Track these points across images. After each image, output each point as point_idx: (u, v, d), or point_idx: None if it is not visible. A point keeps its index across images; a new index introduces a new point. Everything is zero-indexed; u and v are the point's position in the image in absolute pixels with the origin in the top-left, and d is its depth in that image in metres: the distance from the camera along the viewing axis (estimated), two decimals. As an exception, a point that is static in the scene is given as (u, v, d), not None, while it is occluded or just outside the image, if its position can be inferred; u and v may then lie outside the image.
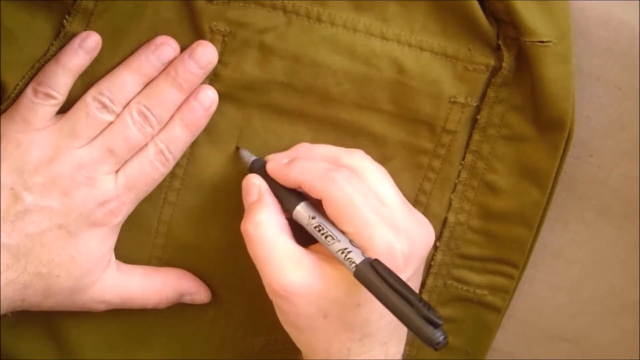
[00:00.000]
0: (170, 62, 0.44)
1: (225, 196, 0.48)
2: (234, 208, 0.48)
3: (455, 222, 0.49)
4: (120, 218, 0.45)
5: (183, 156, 0.46)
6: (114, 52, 0.44)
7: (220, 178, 0.47)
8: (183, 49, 0.44)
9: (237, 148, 0.47)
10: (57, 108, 0.43)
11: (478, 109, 0.47)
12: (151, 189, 0.45)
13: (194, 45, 0.44)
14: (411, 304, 0.38)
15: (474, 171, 0.48)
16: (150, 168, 0.45)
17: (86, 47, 0.43)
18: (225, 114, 0.46)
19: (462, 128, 0.47)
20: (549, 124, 0.46)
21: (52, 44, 0.43)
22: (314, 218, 0.43)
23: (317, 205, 0.43)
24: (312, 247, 0.44)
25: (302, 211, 0.43)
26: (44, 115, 0.43)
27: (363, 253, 0.41)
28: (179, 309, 0.49)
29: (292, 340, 0.50)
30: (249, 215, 0.44)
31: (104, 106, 0.43)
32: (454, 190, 0.48)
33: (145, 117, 0.44)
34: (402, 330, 0.44)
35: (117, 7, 0.43)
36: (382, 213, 0.42)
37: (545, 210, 0.48)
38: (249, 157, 0.46)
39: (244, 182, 0.45)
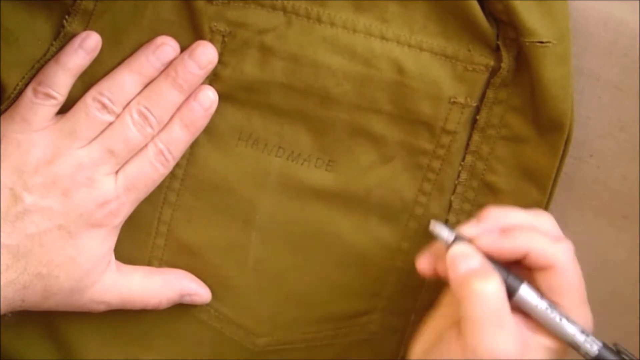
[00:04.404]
0: (170, 63, 0.44)
1: (225, 196, 0.48)
2: (233, 208, 0.48)
3: (456, 223, 0.49)
4: (120, 219, 0.45)
5: (183, 156, 0.46)
6: (114, 53, 0.44)
7: (220, 178, 0.47)
8: (183, 49, 0.44)
9: (430, 221, 0.44)
10: (57, 108, 0.43)
11: (477, 110, 0.47)
12: (151, 189, 0.45)
13: (194, 45, 0.44)
14: None
15: (474, 172, 0.48)
16: (151, 169, 0.45)
17: (86, 47, 0.43)
18: (225, 114, 0.46)
19: (461, 129, 0.47)
20: (548, 124, 0.45)
21: (52, 44, 0.43)
22: (542, 299, 0.42)
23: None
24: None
25: (529, 291, 0.42)
26: (43, 116, 0.43)
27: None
28: (179, 309, 0.49)
29: (292, 340, 0.50)
30: (484, 276, 0.41)
31: (104, 107, 0.44)
32: (454, 191, 0.48)
33: (145, 117, 0.44)
34: None
35: (117, 8, 0.43)
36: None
37: (545, 210, 0.48)
38: (449, 235, 0.43)
39: (458, 249, 0.42)
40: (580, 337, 0.41)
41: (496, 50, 0.45)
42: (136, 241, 0.48)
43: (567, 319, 0.41)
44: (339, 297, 0.50)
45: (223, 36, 0.44)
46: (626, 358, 0.39)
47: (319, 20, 0.44)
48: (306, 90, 0.45)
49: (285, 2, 0.44)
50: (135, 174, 0.44)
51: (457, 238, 0.43)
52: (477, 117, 0.47)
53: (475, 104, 0.46)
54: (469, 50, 0.45)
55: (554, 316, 0.41)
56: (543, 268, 0.42)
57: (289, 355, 0.51)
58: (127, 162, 0.44)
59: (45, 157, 0.43)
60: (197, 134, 0.46)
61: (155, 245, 0.48)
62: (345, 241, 0.49)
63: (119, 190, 0.44)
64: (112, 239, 0.45)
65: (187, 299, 0.48)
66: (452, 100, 0.46)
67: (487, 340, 0.41)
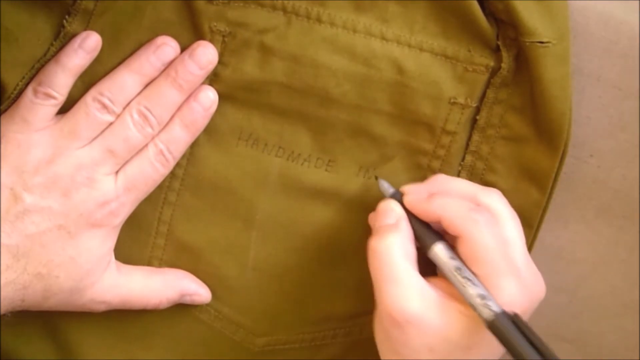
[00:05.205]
0: (171, 63, 0.44)
1: (225, 196, 0.48)
2: (233, 208, 0.48)
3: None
4: (120, 219, 0.45)
5: (183, 156, 0.46)
6: (114, 53, 0.44)
7: (220, 178, 0.47)
8: (183, 49, 0.44)
9: (376, 178, 0.47)
10: (57, 108, 0.43)
11: (477, 110, 0.47)
12: (151, 189, 0.45)
13: (194, 45, 0.44)
14: None
15: (474, 172, 0.48)
16: (151, 169, 0.45)
17: (86, 47, 0.43)
18: (225, 114, 0.46)
19: (461, 129, 0.47)
20: (548, 124, 0.45)
21: (52, 44, 0.43)
22: (454, 259, 0.42)
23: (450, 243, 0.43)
24: (431, 280, 0.43)
25: (442, 250, 0.43)
26: (44, 116, 0.43)
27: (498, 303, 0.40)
28: (179, 309, 0.49)
29: (292, 340, 0.50)
30: (381, 234, 0.43)
31: (104, 107, 0.44)
32: (453, 191, 0.48)
33: (145, 117, 0.44)
34: None
35: (117, 8, 0.43)
36: (512, 263, 0.42)
37: (545, 210, 0.48)
38: (387, 188, 0.46)
39: (383, 204, 0.45)
40: (477, 300, 0.40)
41: (496, 50, 0.45)
42: (136, 241, 0.48)
43: (472, 281, 0.41)
44: (339, 297, 0.50)
45: (223, 36, 0.44)
46: (525, 331, 0.39)
47: (319, 20, 0.44)
48: (306, 90, 0.45)
49: (285, 2, 0.44)
50: (136, 174, 0.44)
51: (394, 194, 0.45)
52: (477, 117, 0.47)
53: (475, 105, 0.46)
54: (469, 51, 0.45)
55: (459, 276, 0.41)
56: (455, 235, 0.42)
57: (288, 355, 0.51)
58: (127, 162, 0.44)
59: (45, 157, 0.43)
60: (197, 134, 0.46)
61: (156, 245, 0.48)
62: (345, 241, 0.49)
63: (119, 190, 0.44)
64: (112, 239, 0.45)
65: (187, 299, 0.48)
66: (452, 100, 0.46)
67: (387, 297, 0.42)
